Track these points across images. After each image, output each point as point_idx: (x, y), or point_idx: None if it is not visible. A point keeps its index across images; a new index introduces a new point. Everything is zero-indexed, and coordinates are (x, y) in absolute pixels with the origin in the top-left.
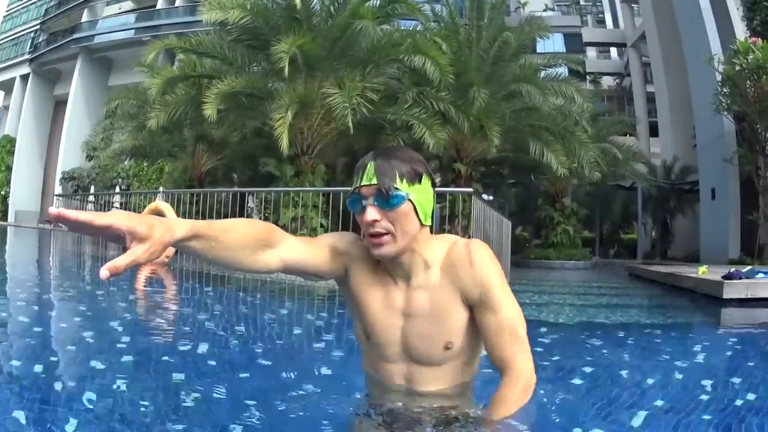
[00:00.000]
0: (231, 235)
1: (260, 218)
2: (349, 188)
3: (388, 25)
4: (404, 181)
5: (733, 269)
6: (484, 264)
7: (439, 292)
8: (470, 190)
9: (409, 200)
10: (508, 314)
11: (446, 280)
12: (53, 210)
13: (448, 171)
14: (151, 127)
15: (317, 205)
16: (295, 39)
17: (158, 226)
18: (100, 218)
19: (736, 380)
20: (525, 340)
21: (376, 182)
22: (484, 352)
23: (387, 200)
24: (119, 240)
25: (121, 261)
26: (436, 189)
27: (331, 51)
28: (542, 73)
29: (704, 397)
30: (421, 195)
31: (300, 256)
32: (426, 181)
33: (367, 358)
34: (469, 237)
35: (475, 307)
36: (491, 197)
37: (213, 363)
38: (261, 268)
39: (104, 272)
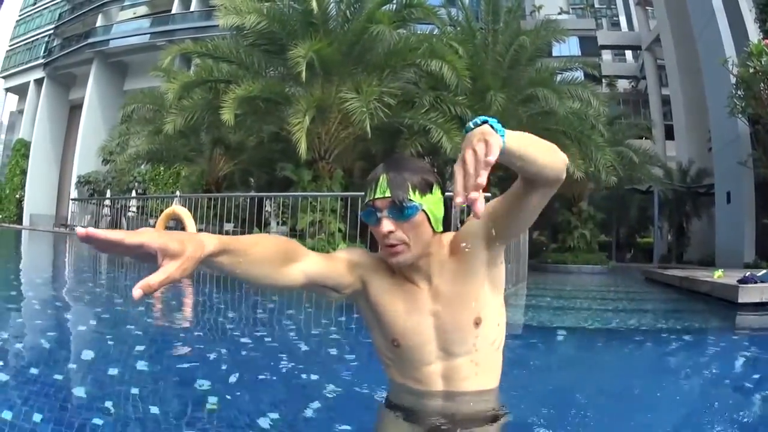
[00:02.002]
0: (258, 249)
1: (277, 222)
2: None
3: (405, 29)
4: (417, 192)
5: (748, 273)
6: None
7: (458, 271)
8: (488, 195)
9: (423, 210)
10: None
11: (458, 255)
12: (81, 230)
13: None
14: (168, 131)
15: (335, 210)
16: (312, 44)
17: (189, 242)
18: (130, 237)
19: (751, 384)
20: None
21: (389, 195)
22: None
23: (401, 212)
24: (150, 259)
25: (155, 279)
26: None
27: (347, 55)
28: (558, 77)
29: (719, 401)
30: (432, 204)
31: (321, 270)
32: (436, 190)
33: (398, 369)
34: None
35: (498, 222)
36: None
37: (231, 367)
38: (285, 283)
39: (137, 291)
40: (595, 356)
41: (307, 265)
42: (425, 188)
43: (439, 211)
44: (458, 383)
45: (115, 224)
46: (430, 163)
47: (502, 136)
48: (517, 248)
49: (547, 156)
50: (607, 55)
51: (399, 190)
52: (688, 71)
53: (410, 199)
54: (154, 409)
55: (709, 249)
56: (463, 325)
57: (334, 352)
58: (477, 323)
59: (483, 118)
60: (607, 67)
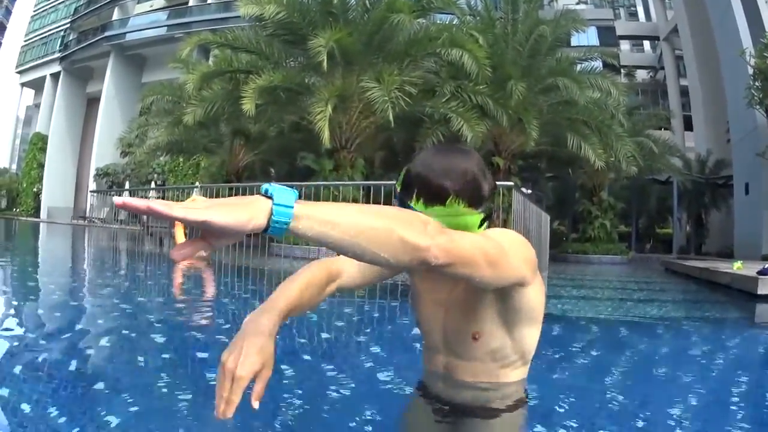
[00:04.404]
0: (308, 294)
1: None
2: (388, 182)
3: (424, 19)
4: (420, 201)
5: (767, 265)
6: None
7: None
8: (511, 183)
9: None
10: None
11: None
12: (119, 200)
13: (486, 165)
14: (188, 122)
15: (357, 199)
16: (332, 33)
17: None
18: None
19: None
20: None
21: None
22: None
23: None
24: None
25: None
26: None
27: (368, 45)
28: (577, 67)
29: (738, 392)
30: (441, 215)
31: (357, 282)
32: (452, 204)
33: (423, 349)
34: None
35: None
36: (529, 191)
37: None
38: (329, 295)
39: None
40: (616, 346)
41: (343, 282)
42: (432, 199)
43: (456, 219)
44: (458, 379)
45: (134, 216)
46: None
47: (277, 218)
48: (538, 239)
49: (371, 244)
50: (625, 46)
51: (405, 191)
52: (706, 62)
53: (410, 205)
54: (173, 400)
55: (727, 240)
56: (461, 332)
57: (357, 341)
58: (475, 337)
59: (275, 190)
60: (625, 58)
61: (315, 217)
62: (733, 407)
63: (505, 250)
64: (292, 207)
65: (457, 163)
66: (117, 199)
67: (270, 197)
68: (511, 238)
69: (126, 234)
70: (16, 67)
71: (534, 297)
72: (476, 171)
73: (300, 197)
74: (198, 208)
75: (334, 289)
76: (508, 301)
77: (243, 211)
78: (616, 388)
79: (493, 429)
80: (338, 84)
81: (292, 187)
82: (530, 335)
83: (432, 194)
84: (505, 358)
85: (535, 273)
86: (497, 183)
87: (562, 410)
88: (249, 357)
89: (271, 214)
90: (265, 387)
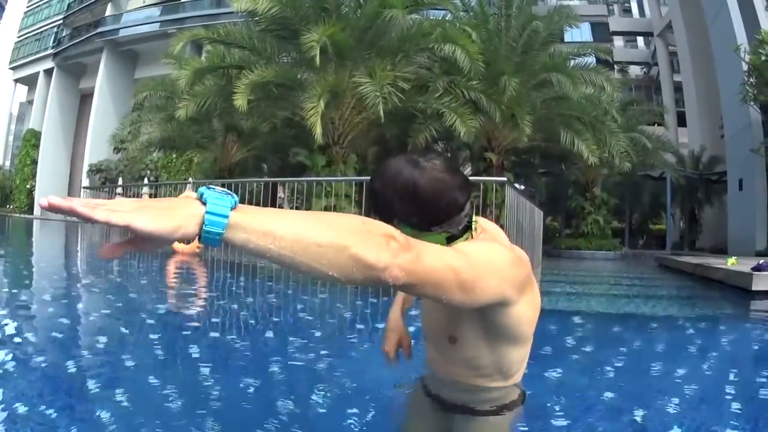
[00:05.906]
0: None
1: (291, 208)
2: None
3: (418, 14)
4: (377, 217)
5: (761, 261)
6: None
7: None
8: (504, 179)
9: None
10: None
11: None
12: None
13: (479, 161)
14: (180, 117)
15: (349, 195)
16: (325, 29)
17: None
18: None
19: (764, 371)
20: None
21: None
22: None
23: None
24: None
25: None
26: (470, 178)
27: (360, 40)
28: (571, 63)
29: (732, 387)
30: None
31: None
32: (398, 224)
33: None
34: (501, 227)
35: None
36: (522, 187)
37: (247, 351)
38: None
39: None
40: (609, 341)
41: None
42: (382, 218)
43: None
44: (439, 372)
45: None
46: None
47: (209, 228)
48: (531, 234)
49: (318, 262)
50: (618, 42)
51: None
52: (700, 58)
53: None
54: (166, 394)
55: (721, 236)
56: (439, 331)
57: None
58: (451, 341)
59: (210, 195)
60: (618, 54)
61: (253, 228)
62: (727, 402)
63: (481, 273)
64: (227, 216)
65: (399, 178)
66: (42, 200)
67: (204, 203)
68: (496, 256)
69: (119, 231)
70: (10, 63)
71: (520, 316)
72: (425, 187)
73: (293, 193)
74: (123, 210)
75: None
76: (488, 317)
77: (169, 218)
78: (609, 384)
79: (479, 429)
80: (331, 79)
81: (283, 183)
82: (512, 353)
83: (379, 213)
84: (480, 369)
85: (521, 292)
86: (492, 179)
87: (553, 405)
88: (389, 337)
89: (204, 223)
90: (410, 347)
